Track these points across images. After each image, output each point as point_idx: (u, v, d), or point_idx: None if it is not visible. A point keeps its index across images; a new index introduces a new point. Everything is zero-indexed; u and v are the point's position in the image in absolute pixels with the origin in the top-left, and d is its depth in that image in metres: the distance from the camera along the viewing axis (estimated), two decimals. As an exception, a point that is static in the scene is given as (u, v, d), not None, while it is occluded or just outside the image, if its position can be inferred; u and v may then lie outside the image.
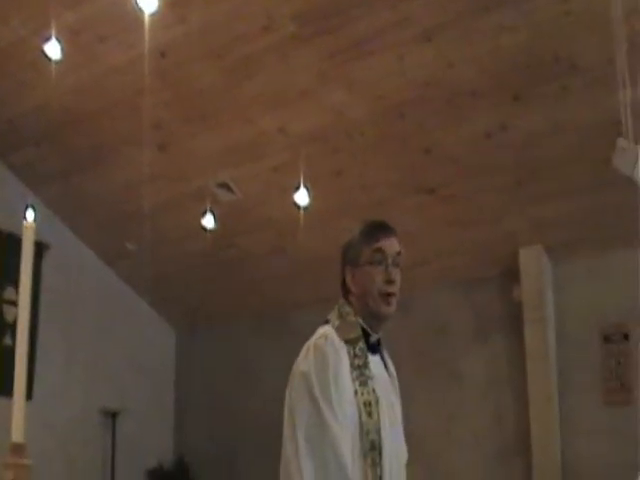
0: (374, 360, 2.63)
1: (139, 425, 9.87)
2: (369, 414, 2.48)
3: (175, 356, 10.83)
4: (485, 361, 8.45)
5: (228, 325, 10.26)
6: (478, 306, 8.57)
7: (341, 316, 2.64)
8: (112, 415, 9.48)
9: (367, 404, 2.50)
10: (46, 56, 6.42)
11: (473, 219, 7.86)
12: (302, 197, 7.37)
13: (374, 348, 2.65)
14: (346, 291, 2.71)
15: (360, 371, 2.53)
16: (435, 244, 8.23)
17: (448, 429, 8.50)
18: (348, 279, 2.68)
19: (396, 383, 2.76)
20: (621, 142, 5.27)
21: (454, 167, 7.32)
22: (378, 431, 2.48)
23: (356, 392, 2.48)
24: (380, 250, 2.66)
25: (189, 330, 10.69)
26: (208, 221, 8.08)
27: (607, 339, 7.83)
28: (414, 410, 8.53)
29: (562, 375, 7.96)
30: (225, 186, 8.11)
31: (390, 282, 2.62)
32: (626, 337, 7.75)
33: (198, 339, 10.62)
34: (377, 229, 2.70)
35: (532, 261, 8.06)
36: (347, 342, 2.55)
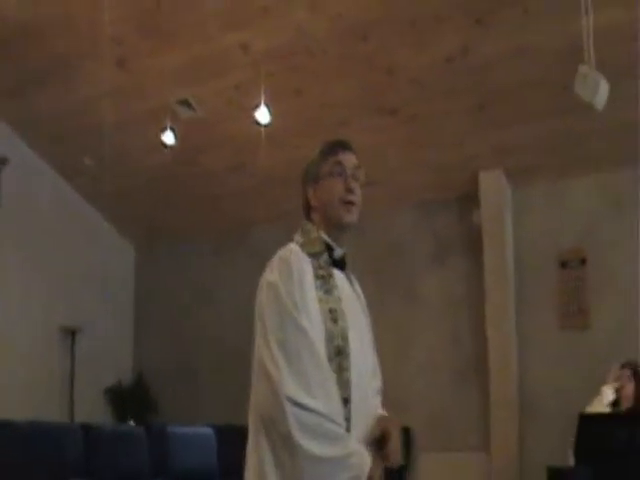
0: (339, 276, 2.66)
1: (98, 343, 9.90)
2: (334, 320, 2.51)
3: (134, 273, 10.83)
4: (443, 283, 8.55)
5: (187, 242, 10.27)
6: (437, 228, 8.64)
7: (304, 234, 2.67)
8: (71, 333, 9.49)
9: (332, 311, 2.53)
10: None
11: (434, 141, 7.87)
12: (263, 115, 7.31)
13: (339, 265, 2.69)
14: (308, 211, 2.73)
15: (324, 280, 2.57)
16: (396, 165, 8.24)
17: (405, 351, 8.61)
18: (310, 196, 2.70)
19: (364, 302, 2.79)
20: (583, 69, 5.29)
21: (416, 89, 7.30)
22: (344, 337, 2.51)
23: (320, 299, 2.52)
24: (339, 162, 2.68)
25: (148, 247, 10.68)
26: (168, 137, 8.00)
27: (564, 264, 7.94)
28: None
29: (520, 299, 8.08)
30: (185, 102, 8.03)
31: (350, 190, 2.66)
32: (583, 262, 7.85)
33: (157, 256, 10.62)
34: (335, 145, 2.73)
35: (492, 185, 8.12)
36: (311, 255, 2.59)
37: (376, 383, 2.76)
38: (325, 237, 2.65)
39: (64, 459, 7.50)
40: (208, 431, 8.41)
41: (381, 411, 2.66)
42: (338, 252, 2.67)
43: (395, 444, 2.47)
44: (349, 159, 2.70)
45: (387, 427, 2.50)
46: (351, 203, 2.65)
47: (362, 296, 2.80)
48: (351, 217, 2.66)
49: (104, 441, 7.86)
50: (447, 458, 8.26)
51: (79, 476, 7.61)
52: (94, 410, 9.59)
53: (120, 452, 7.83)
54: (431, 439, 8.36)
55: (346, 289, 2.66)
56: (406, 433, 8.37)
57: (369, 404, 2.60)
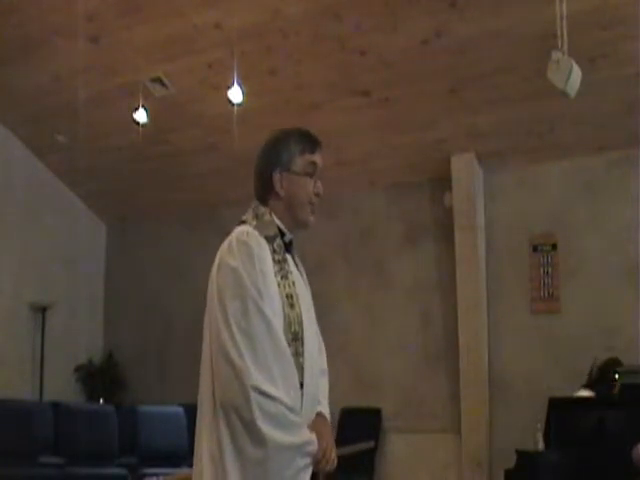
0: (289, 259, 2.70)
1: (69, 321, 9.87)
2: (291, 306, 2.57)
3: (105, 250, 10.78)
4: (414, 266, 8.56)
5: (158, 221, 10.24)
6: (409, 211, 8.65)
7: (257, 217, 2.70)
8: (42, 310, 9.44)
9: (289, 296, 2.58)
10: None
11: (406, 124, 7.87)
12: (236, 94, 7.27)
13: (287, 248, 2.72)
14: (266, 192, 2.74)
15: (280, 265, 2.61)
16: (368, 147, 8.24)
17: (376, 332, 8.65)
18: (275, 180, 2.71)
19: (306, 280, 2.83)
20: (555, 55, 5.31)
21: (389, 71, 7.28)
22: (300, 323, 2.57)
23: (279, 285, 2.56)
24: (314, 163, 2.73)
25: (120, 224, 10.63)
26: (140, 115, 7.95)
27: (536, 248, 7.98)
28: (342, 314, 8.67)
29: (491, 283, 8.12)
30: (158, 80, 7.98)
31: (318, 195, 2.72)
32: (554, 247, 7.90)
33: (128, 234, 10.58)
34: (313, 142, 2.76)
35: (464, 168, 8.12)
36: (266, 239, 2.62)
37: (322, 363, 2.79)
38: (278, 222, 2.68)
39: (34, 437, 7.52)
40: (178, 410, 8.43)
41: (319, 407, 2.65)
42: (288, 236, 2.71)
43: (324, 450, 2.48)
44: (320, 160, 2.74)
45: (318, 432, 2.51)
46: (315, 205, 2.72)
47: (304, 274, 2.84)
48: (314, 219, 2.73)
49: (74, 419, 7.88)
50: (417, 439, 8.31)
51: (49, 454, 7.63)
52: (64, 388, 9.58)
53: (90, 430, 7.84)
54: (401, 420, 8.40)
55: (294, 271, 2.70)
56: (376, 414, 8.42)
57: (316, 386, 2.64)
